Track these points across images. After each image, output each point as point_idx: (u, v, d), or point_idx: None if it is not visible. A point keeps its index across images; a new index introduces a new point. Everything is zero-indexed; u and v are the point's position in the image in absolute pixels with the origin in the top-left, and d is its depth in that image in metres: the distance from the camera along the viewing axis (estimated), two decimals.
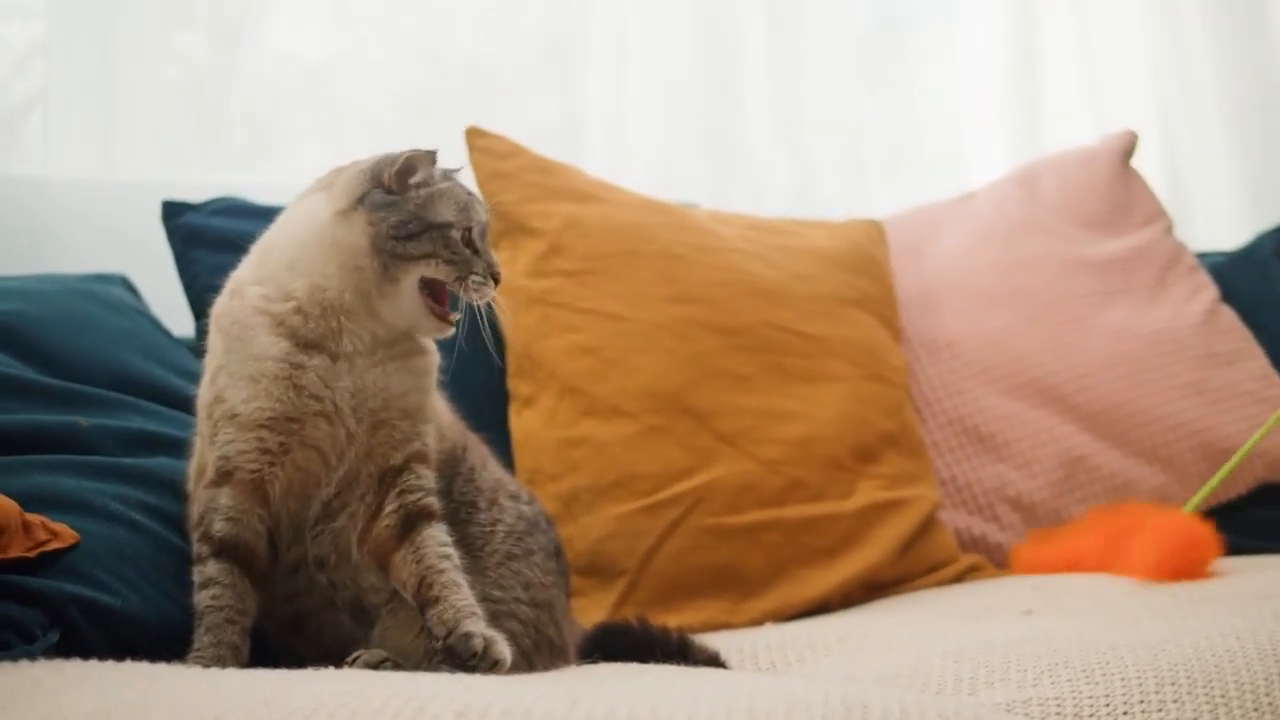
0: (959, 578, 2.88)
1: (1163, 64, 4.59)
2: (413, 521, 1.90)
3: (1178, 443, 3.09)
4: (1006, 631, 2.14)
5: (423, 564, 1.85)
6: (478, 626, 1.79)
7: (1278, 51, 4.58)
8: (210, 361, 1.94)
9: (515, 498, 2.08)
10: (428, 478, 1.94)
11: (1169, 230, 3.45)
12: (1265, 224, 3.83)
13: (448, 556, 1.87)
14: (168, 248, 2.78)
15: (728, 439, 2.73)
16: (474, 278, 1.92)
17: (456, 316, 1.95)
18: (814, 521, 2.74)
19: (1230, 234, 4.13)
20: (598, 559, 2.59)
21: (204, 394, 1.94)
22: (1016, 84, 4.57)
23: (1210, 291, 3.34)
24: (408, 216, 1.90)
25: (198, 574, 1.87)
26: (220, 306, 1.96)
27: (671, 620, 2.31)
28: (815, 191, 4.33)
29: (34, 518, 1.86)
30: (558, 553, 2.11)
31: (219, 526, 1.87)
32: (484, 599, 1.89)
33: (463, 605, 1.82)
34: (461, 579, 1.85)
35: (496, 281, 1.95)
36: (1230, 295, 3.38)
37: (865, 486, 2.83)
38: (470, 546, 1.96)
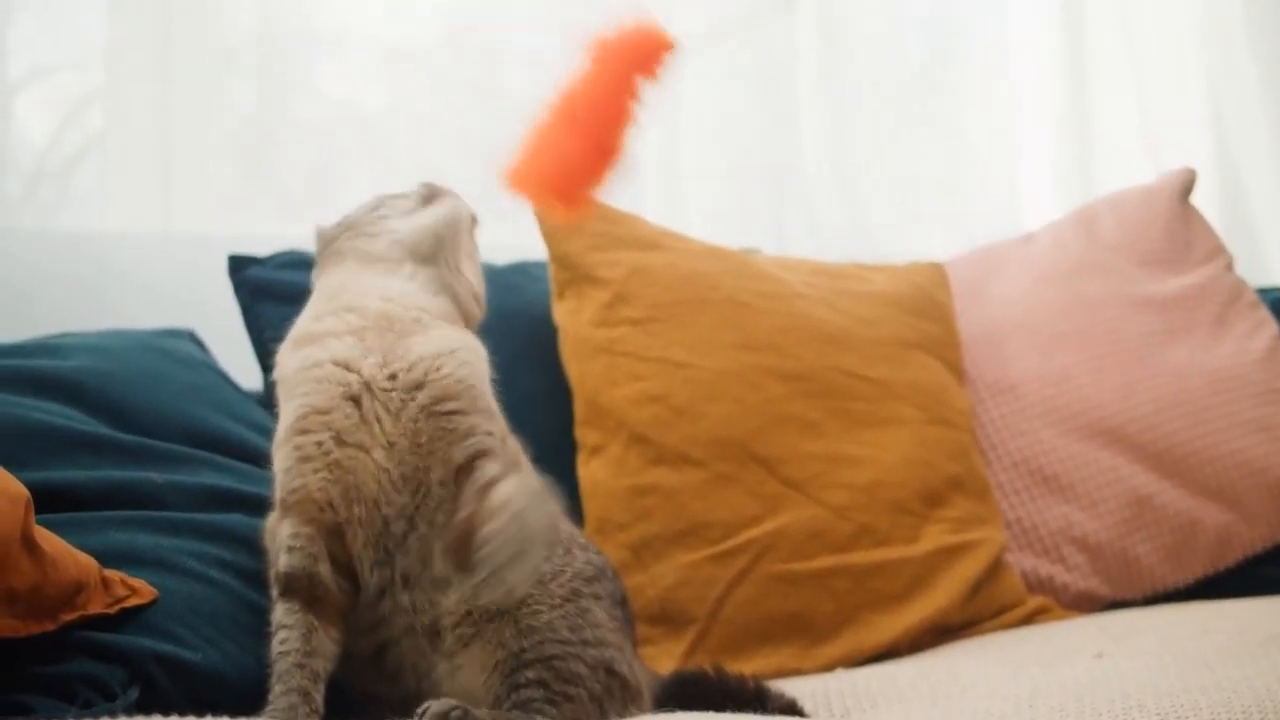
0: (1027, 620, 2.87)
1: (1219, 96, 4.57)
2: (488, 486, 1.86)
3: (1242, 480, 3.07)
4: (1079, 675, 2.14)
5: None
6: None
7: None
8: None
9: (585, 548, 2.07)
10: (494, 469, 1.88)
11: (1229, 267, 3.43)
12: None
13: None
14: (227, 301, 2.80)
15: (795, 485, 2.73)
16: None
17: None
18: (882, 566, 2.74)
19: None
20: (668, 607, 2.59)
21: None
22: (1069, 119, 4.56)
23: (1271, 328, 3.32)
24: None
25: (272, 622, 1.86)
26: None
27: (742, 667, 2.30)
28: (871, 229, 4.33)
29: (113, 574, 1.88)
30: (623, 601, 2.10)
31: (283, 561, 1.88)
32: (548, 640, 1.89)
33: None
34: None
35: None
36: None
37: (932, 530, 2.83)
38: (540, 581, 1.94)
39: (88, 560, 1.85)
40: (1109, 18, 4.60)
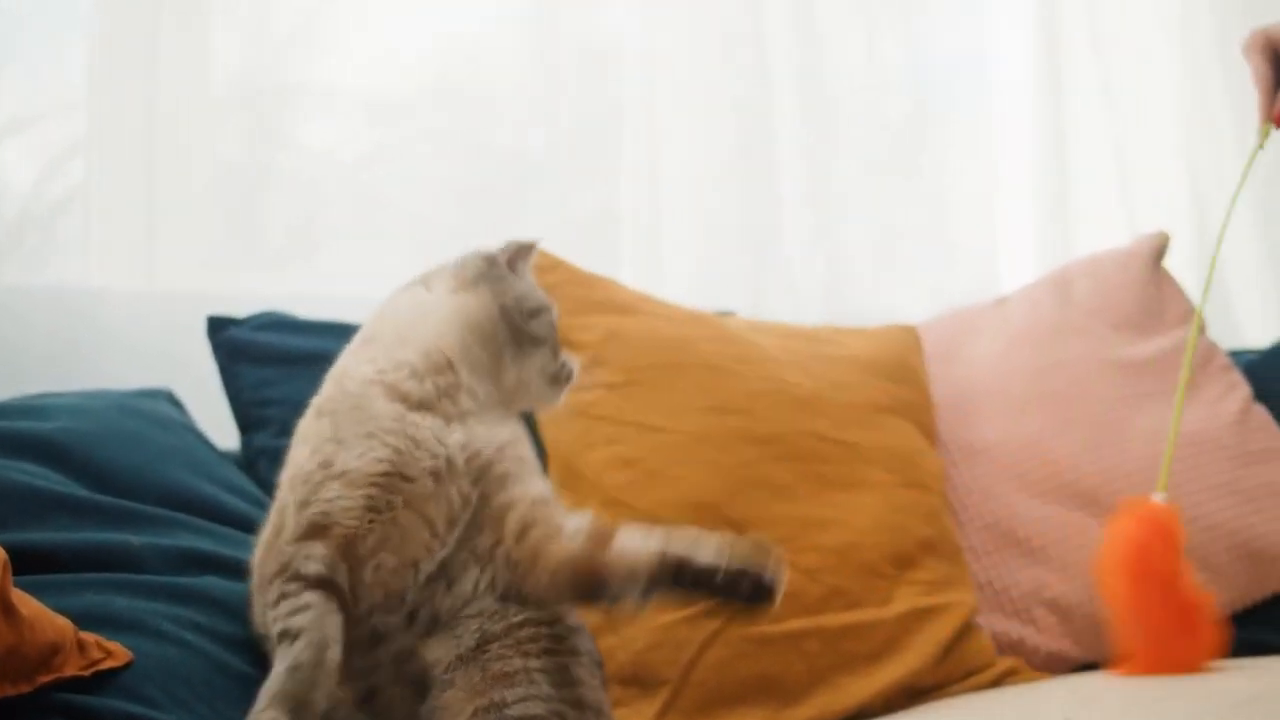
0: (997, 681, 2.88)
1: (1195, 158, 4.61)
2: (603, 530, 1.93)
3: (1214, 543, 3.08)
4: None
5: (651, 543, 1.88)
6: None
7: None
8: (308, 445, 1.97)
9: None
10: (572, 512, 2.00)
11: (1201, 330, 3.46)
12: None
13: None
14: (207, 359, 2.82)
15: None
16: (565, 367, 2.14)
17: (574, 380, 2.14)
18: (854, 629, 2.75)
19: (1267, 332, 4.14)
20: (640, 669, 2.58)
21: (303, 465, 1.95)
22: (1048, 180, 4.59)
23: (1243, 390, 3.35)
24: (524, 293, 2.09)
25: (286, 605, 1.85)
26: (321, 396, 2.03)
27: None
28: (850, 290, 4.34)
29: (89, 636, 1.89)
30: (600, 664, 2.10)
31: (313, 567, 1.86)
32: (530, 698, 1.88)
33: (713, 542, 1.88)
34: None
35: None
36: (1263, 393, 3.39)
37: (904, 593, 2.84)
38: (503, 616, 1.96)
39: (64, 623, 1.86)
40: (1089, 80, 4.64)
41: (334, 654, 1.82)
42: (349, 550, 1.88)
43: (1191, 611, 2.56)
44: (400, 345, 2.02)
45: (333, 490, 1.90)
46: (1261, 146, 2.76)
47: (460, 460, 1.95)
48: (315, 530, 1.89)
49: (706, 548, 1.87)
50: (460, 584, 1.95)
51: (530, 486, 2.01)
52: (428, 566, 1.94)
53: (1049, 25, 4.64)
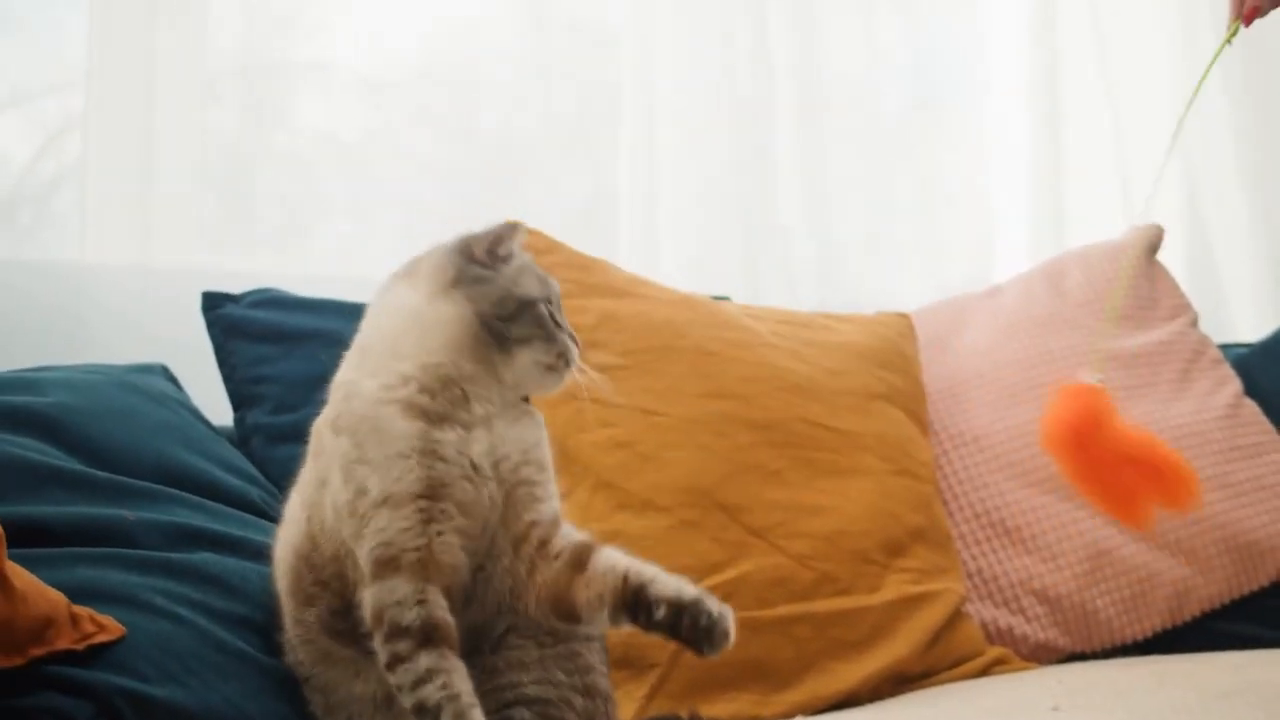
0: (985, 670, 2.89)
1: (1191, 153, 4.60)
2: (583, 552, 1.93)
3: (1201, 535, 3.10)
4: None
5: (618, 567, 1.89)
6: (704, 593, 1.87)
7: None
8: (332, 465, 1.94)
9: None
10: (570, 527, 1.99)
11: (1193, 323, 3.46)
12: None
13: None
14: (202, 335, 2.82)
15: (758, 533, 2.74)
16: (571, 351, 2.04)
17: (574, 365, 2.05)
18: (843, 615, 2.75)
19: (1260, 326, 4.14)
20: (630, 651, 2.56)
21: (338, 496, 1.92)
22: (1044, 171, 4.58)
23: (1234, 385, 3.36)
24: (503, 293, 1.98)
25: (407, 674, 1.82)
26: (333, 412, 1.98)
27: (701, 713, 2.32)
28: (844, 277, 4.35)
29: (81, 610, 1.90)
30: (606, 650, 2.10)
31: (411, 615, 1.84)
32: (543, 681, 1.92)
33: (676, 579, 1.88)
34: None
35: (579, 348, 2.06)
36: (1253, 388, 3.40)
37: (893, 580, 2.84)
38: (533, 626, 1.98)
39: (57, 596, 1.87)
40: (1086, 71, 4.63)
41: (478, 715, 1.80)
42: (423, 570, 1.87)
43: (1146, 465, 2.47)
44: (396, 359, 1.96)
45: (382, 519, 1.88)
46: (1229, 42, 2.70)
47: (486, 465, 1.93)
48: (386, 565, 1.87)
49: (666, 580, 1.88)
50: (489, 592, 1.96)
51: (551, 504, 2.01)
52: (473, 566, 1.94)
53: (1047, 16, 4.64)
